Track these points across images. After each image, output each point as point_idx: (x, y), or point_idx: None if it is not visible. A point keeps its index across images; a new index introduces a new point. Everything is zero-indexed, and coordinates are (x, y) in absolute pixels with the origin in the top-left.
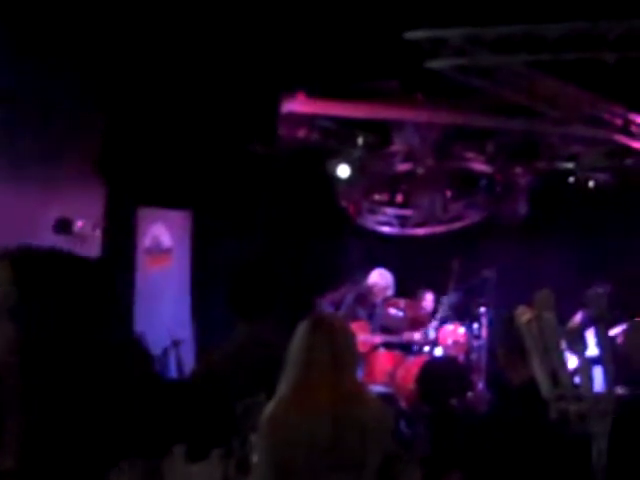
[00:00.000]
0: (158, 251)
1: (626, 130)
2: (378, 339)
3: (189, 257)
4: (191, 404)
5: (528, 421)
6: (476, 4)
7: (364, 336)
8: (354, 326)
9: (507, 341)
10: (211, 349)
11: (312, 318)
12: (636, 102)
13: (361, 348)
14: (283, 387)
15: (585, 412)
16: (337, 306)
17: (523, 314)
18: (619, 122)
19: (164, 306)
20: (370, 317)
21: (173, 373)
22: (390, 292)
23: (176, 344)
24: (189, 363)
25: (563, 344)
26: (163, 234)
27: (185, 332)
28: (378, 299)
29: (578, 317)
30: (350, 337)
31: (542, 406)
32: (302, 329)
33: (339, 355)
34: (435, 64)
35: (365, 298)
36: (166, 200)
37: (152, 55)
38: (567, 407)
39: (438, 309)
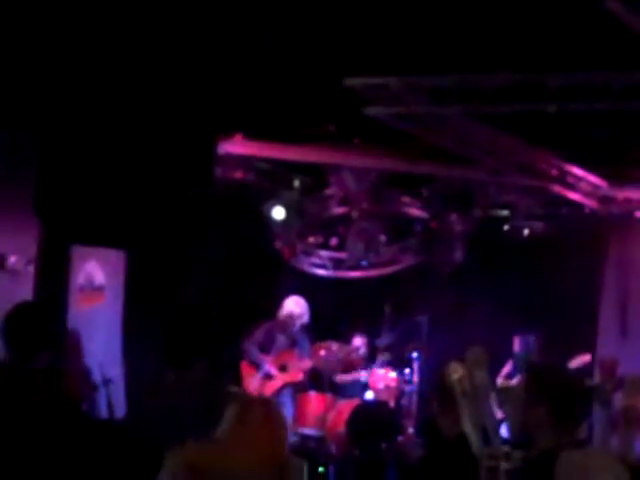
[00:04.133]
0: (91, 289)
1: (562, 180)
2: (308, 363)
3: (122, 295)
4: (120, 448)
5: (458, 477)
6: (414, 53)
7: (294, 364)
8: (283, 357)
9: (440, 394)
10: (142, 396)
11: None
12: (572, 153)
13: (294, 377)
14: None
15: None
16: (262, 345)
17: (455, 371)
18: (555, 172)
19: (95, 344)
20: (293, 345)
21: (103, 411)
22: (306, 319)
23: (107, 382)
24: (120, 402)
25: (494, 402)
26: (96, 272)
27: (116, 370)
28: (296, 327)
29: (507, 368)
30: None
31: (472, 462)
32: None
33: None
34: (372, 111)
35: (283, 328)
36: (101, 238)
37: (88, 94)
38: (497, 465)
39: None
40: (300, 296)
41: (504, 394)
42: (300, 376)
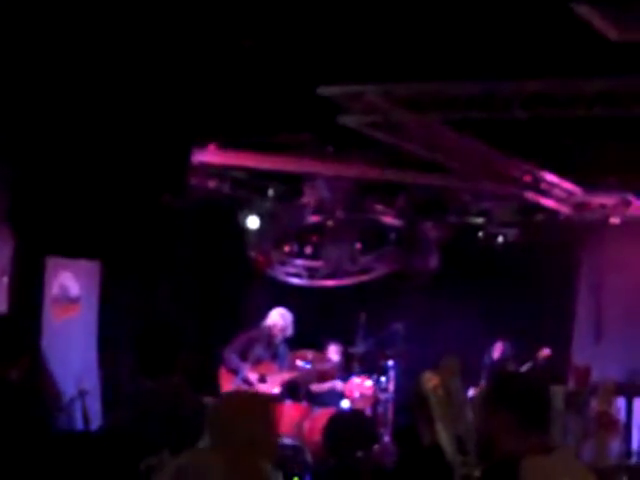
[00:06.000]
0: (66, 300)
1: (536, 187)
2: (287, 375)
3: (97, 306)
4: (96, 461)
5: None
6: (389, 61)
7: (274, 376)
8: (262, 367)
9: (416, 403)
10: (117, 406)
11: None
12: (546, 160)
13: (271, 388)
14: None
15: None
16: (243, 353)
17: (429, 380)
18: (529, 179)
19: (71, 355)
20: (274, 357)
21: (79, 423)
22: (289, 332)
23: (82, 394)
24: (95, 413)
25: (469, 410)
26: (71, 283)
27: (92, 382)
28: (278, 339)
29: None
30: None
31: (447, 470)
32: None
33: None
34: (347, 120)
35: (266, 339)
36: (75, 250)
37: (61, 105)
38: (471, 473)
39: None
40: (283, 307)
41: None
42: (278, 389)
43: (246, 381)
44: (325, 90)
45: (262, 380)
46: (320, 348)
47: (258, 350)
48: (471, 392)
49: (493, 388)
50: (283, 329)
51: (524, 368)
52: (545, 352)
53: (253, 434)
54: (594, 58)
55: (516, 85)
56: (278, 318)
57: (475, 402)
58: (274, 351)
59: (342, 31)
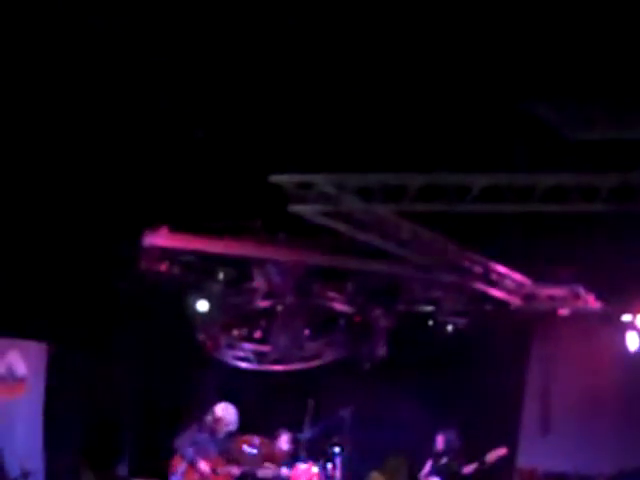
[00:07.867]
0: (11, 380)
1: (486, 278)
2: (236, 470)
3: (43, 387)
4: None
5: None
6: (340, 152)
7: (223, 469)
8: (211, 463)
9: None
10: None
11: None
12: (496, 251)
13: None
14: None
15: None
16: (192, 443)
17: None
18: (479, 270)
19: (15, 435)
20: (220, 450)
21: None
22: (234, 427)
23: (25, 475)
24: None
25: None
26: (18, 363)
27: (36, 463)
28: (221, 434)
29: (427, 468)
30: None
31: None
32: None
33: None
34: (299, 209)
35: (212, 432)
36: (22, 330)
37: (8, 183)
38: None
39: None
40: (229, 403)
41: None
42: None
43: (199, 471)
44: (277, 178)
45: (214, 473)
46: (267, 433)
47: (205, 442)
48: None
49: None
50: (228, 424)
51: (470, 468)
52: (501, 452)
53: None
54: (546, 154)
55: (468, 178)
56: (224, 413)
57: None
58: (221, 445)
59: (295, 121)
